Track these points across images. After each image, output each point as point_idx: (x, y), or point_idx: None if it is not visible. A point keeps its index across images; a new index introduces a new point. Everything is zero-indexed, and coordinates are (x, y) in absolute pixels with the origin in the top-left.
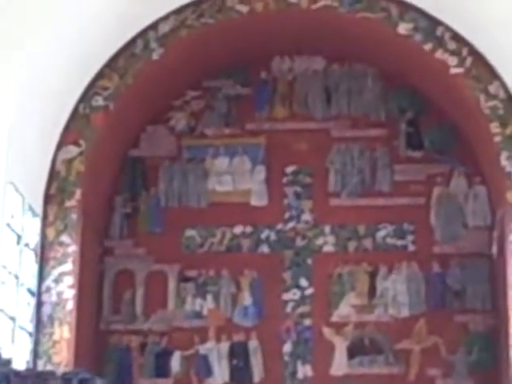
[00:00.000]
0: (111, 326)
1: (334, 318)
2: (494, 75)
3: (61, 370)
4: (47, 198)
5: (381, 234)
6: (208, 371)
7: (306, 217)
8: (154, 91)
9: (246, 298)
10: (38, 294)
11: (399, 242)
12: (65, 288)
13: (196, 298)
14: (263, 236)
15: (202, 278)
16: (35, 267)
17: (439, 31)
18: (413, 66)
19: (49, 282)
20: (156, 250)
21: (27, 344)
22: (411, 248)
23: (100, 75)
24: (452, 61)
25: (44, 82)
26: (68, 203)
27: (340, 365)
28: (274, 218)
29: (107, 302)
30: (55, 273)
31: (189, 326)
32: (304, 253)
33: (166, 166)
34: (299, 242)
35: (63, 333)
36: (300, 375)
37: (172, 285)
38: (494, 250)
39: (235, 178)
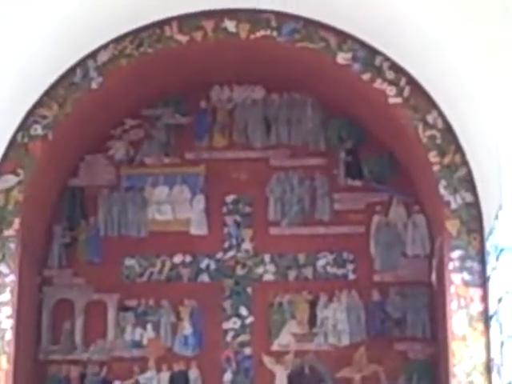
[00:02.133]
0: (50, 356)
1: (275, 347)
2: (431, 105)
3: None
4: None
5: (321, 262)
6: None
7: (246, 246)
8: (93, 120)
9: (186, 328)
10: None
11: (339, 271)
12: (3, 318)
13: (136, 328)
14: (203, 265)
15: (142, 307)
16: None
17: (378, 61)
18: (352, 95)
19: None
20: (95, 280)
21: None
22: (351, 277)
23: (39, 104)
24: (390, 90)
25: None
26: (6, 232)
27: None
28: (214, 247)
29: (46, 331)
30: None
31: (129, 356)
32: (244, 282)
33: (105, 195)
34: (239, 271)
35: (1, 363)
36: None
37: (111, 314)
38: (434, 278)
39: (175, 206)
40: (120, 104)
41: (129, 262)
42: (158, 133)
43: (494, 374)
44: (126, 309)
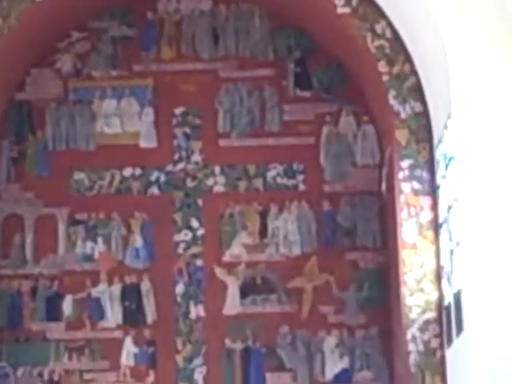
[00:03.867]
0: (1, 270)
1: (226, 258)
2: (380, 14)
3: None
4: None
5: (271, 173)
6: (100, 314)
7: (196, 158)
8: (39, 33)
9: (137, 240)
10: None
11: (289, 182)
12: None
13: (86, 241)
14: (153, 178)
15: (92, 220)
16: None
17: None
18: (300, 5)
19: None
20: (45, 194)
21: None
22: (301, 187)
23: None
24: (339, 0)
25: None
26: None
27: (232, 304)
28: (164, 160)
29: None
30: None
31: (80, 270)
32: (194, 194)
33: (52, 109)
34: (189, 183)
35: None
36: (193, 315)
37: (62, 228)
38: (383, 187)
39: (123, 119)
40: (66, 16)
41: (78, 175)
42: (104, 45)
43: (444, 282)
44: (76, 222)
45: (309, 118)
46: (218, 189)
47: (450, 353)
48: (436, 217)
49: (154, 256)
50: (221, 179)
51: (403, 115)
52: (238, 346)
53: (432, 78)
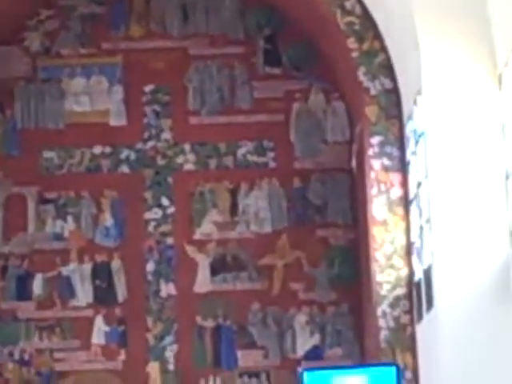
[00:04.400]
0: None
1: (197, 236)
2: None
3: None
4: None
5: (241, 151)
6: (71, 293)
7: (166, 135)
8: (6, 11)
9: (108, 219)
10: None
11: (260, 159)
12: None
13: (56, 220)
14: (123, 156)
15: (62, 199)
16: None
17: None
18: None
19: None
20: (14, 173)
21: None
22: (272, 165)
23: None
24: None
25: None
26: None
27: (203, 282)
28: (134, 138)
29: None
30: None
31: (50, 248)
32: (164, 171)
33: (21, 87)
34: (159, 161)
35: None
36: (163, 293)
37: (31, 207)
38: (354, 164)
39: (93, 98)
40: None
41: (47, 154)
42: (73, 23)
43: (414, 258)
44: (45, 201)
45: (279, 95)
46: (189, 167)
47: (420, 328)
48: (406, 193)
49: (124, 234)
50: (191, 157)
51: (373, 92)
52: (209, 323)
53: (402, 55)
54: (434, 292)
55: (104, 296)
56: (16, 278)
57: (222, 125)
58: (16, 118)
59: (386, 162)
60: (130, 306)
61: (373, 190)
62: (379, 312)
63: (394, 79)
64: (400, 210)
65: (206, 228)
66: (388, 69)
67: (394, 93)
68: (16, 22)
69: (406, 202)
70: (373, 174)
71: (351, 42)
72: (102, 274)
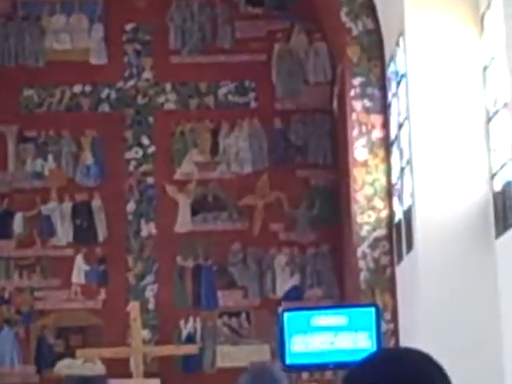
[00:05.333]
0: None
1: (177, 176)
2: None
3: None
4: None
5: (222, 91)
6: (51, 231)
7: (147, 75)
8: None
9: (88, 158)
10: None
11: (241, 99)
12: None
13: (36, 159)
14: (103, 95)
15: (42, 138)
16: None
17: None
18: None
19: None
20: None
21: None
22: (253, 105)
23: None
24: None
25: None
26: None
27: (184, 222)
28: (114, 77)
29: None
30: None
31: (30, 187)
32: (145, 111)
33: (0, 25)
34: (140, 100)
35: None
36: (144, 233)
37: (11, 146)
38: (335, 105)
39: (73, 36)
40: None
41: (27, 92)
42: None
43: (395, 199)
44: (25, 140)
45: (261, 35)
46: (169, 106)
47: (399, 270)
48: (387, 135)
49: (104, 174)
50: (172, 96)
51: (355, 32)
52: (190, 263)
53: None
54: (413, 233)
55: (84, 235)
56: None
57: (203, 64)
58: None
59: (368, 103)
60: (111, 245)
61: (354, 132)
62: (359, 253)
63: (376, 20)
64: (381, 152)
65: (187, 168)
66: (370, 9)
67: (376, 34)
68: None
69: (386, 143)
70: (354, 116)
71: None
72: (82, 214)
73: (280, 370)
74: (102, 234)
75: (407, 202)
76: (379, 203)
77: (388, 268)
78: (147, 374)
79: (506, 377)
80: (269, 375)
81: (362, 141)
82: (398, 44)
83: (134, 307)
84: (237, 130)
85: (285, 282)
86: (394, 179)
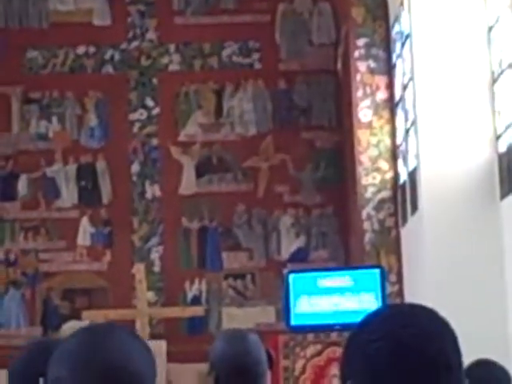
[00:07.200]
0: None
1: (181, 138)
2: None
3: None
4: None
5: (226, 52)
6: (56, 193)
7: (151, 36)
8: None
9: (92, 119)
10: None
11: (245, 60)
12: None
13: (41, 120)
14: (107, 56)
15: (46, 99)
16: None
17: None
18: None
19: None
20: None
21: None
22: (257, 66)
23: None
24: None
25: None
26: None
27: (188, 184)
28: (118, 38)
29: None
30: None
31: (35, 149)
32: (149, 72)
33: None
34: (144, 62)
35: None
36: (148, 195)
37: (15, 107)
38: (339, 66)
39: None
40: None
41: (31, 53)
42: None
43: (400, 161)
44: (29, 101)
45: None
46: (173, 67)
47: (404, 231)
48: (392, 96)
49: (108, 135)
50: (176, 57)
51: None
52: (195, 225)
53: None
54: (418, 195)
55: (89, 197)
56: (1, 179)
57: (207, 25)
58: None
59: (372, 64)
60: (116, 207)
61: (358, 93)
62: (364, 215)
63: None
64: (385, 113)
65: (191, 129)
66: None
67: None
68: None
69: (391, 104)
70: (358, 77)
71: None
72: (86, 175)
73: (255, 335)
74: (106, 195)
75: (412, 164)
76: (384, 165)
77: (393, 230)
78: (153, 336)
79: (510, 336)
80: (244, 339)
81: (367, 102)
82: (402, 4)
83: (139, 269)
84: (241, 92)
85: (290, 244)
86: (398, 140)
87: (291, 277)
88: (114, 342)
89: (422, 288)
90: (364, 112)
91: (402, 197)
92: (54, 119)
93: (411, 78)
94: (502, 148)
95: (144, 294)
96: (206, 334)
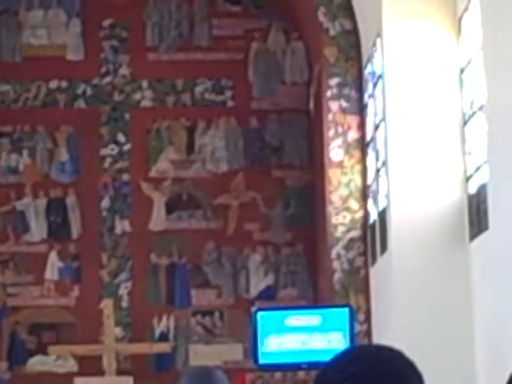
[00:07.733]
0: None
1: (153, 173)
2: None
3: None
4: None
5: (199, 89)
6: (25, 227)
7: (124, 71)
8: None
9: (63, 154)
10: None
11: (217, 98)
12: None
13: (11, 154)
14: (79, 91)
15: (17, 133)
16: None
17: None
18: None
19: None
20: None
21: None
22: (230, 103)
23: None
24: None
25: None
26: None
27: (158, 220)
28: (91, 73)
29: None
30: None
31: (5, 182)
32: (121, 108)
33: None
34: (116, 97)
35: None
36: (118, 230)
37: None
38: (311, 105)
39: (50, 31)
40: None
41: (3, 87)
42: None
43: (370, 201)
44: (0, 135)
45: (238, 34)
46: (146, 103)
47: (373, 271)
48: (363, 136)
49: (79, 170)
50: (148, 93)
51: (332, 32)
52: (164, 261)
53: None
54: (388, 235)
55: (58, 231)
56: None
57: (180, 62)
58: None
59: (344, 103)
60: (85, 242)
61: (330, 132)
62: (333, 254)
63: (353, 20)
64: (357, 153)
65: (162, 165)
66: (348, 10)
67: (353, 34)
68: None
69: (362, 144)
70: (330, 116)
71: None
72: (56, 210)
73: (221, 373)
74: (76, 230)
75: (382, 204)
76: (354, 204)
77: (362, 269)
78: (120, 372)
79: (477, 377)
80: (210, 376)
81: (338, 141)
82: (375, 45)
83: (107, 305)
84: (213, 129)
85: (259, 282)
86: (369, 180)
87: (259, 315)
88: None
89: (390, 328)
90: (335, 151)
91: (372, 236)
92: (25, 153)
93: (383, 119)
94: (472, 189)
95: (112, 330)
96: (173, 371)
